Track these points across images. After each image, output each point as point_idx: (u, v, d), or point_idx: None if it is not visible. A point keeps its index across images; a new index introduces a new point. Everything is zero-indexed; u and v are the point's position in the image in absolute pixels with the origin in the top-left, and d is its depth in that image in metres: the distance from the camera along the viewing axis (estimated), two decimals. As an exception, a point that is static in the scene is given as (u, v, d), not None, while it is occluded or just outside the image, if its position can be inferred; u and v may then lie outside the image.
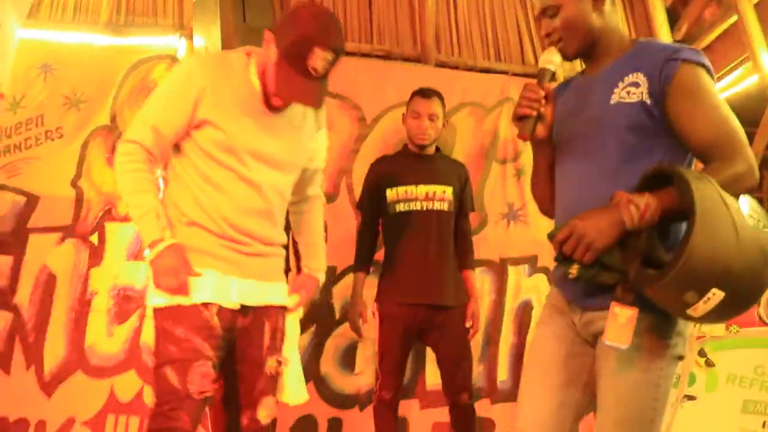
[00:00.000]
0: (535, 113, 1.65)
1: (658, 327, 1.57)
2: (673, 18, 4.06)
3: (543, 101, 1.66)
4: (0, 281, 3.63)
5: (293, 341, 2.11)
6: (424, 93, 3.18)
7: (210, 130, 1.90)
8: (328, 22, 1.88)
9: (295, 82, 1.85)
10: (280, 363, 2.03)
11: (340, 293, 3.74)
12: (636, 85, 1.61)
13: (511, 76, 4.03)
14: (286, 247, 2.95)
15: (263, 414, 1.99)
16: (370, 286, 3.25)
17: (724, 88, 3.89)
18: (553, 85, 1.78)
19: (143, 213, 1.84)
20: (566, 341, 1.72)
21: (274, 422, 2.04)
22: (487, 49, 4.17)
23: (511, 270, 3.99)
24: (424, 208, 3.09)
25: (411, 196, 3.10)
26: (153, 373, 1.87)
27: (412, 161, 3.18)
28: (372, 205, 3.21)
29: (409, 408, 3.61)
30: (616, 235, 1.47)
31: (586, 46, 1.72)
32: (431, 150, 3.21)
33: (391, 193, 3.13)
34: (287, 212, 2.23)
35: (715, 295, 1.36)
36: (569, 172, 1.74)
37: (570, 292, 1.71)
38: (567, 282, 1.63)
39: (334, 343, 3.71)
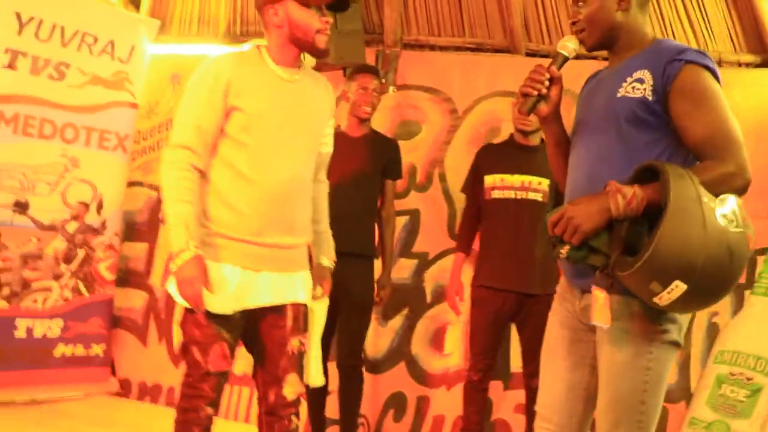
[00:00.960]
0: (536, 93, 1.75)
1: (647, 312, 1.62)
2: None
3: (547, 83, 1.75)
4: (138, 265, 4.24)
5: (320, 327, 2.26)
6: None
7: (238, 115, 2.01)
8: None
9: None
10: (302, 343, 2.16)
11: (432, 277, 3.93)
12: (641, 81, 1.67)
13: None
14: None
15: (288, 390, 2.10)
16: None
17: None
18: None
19: (175, 222, 1.93)
20: (570, 328, 1.81)
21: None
22: (577, 35, 4.13)
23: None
24: (518, 197, 3.15)
25: (506, 184, 3.18)
26: (181, 347, 2.06)
27: (514, 151, 3.25)
28: (473, 190, 3.31)
29: (493, 388, 3.70)
30: (602, 221, 1.55)
31: (606, 40, 1.78)
32: (535, 140, 3.23)
33: (488, 180, 3.22)
34: None
35: (678, 287, 1.43)
36: (577, 155, 1.82)
37: (569, 272, 1.81)
38: (566, 262, 1.72)
39: (424, 325, 3.89)
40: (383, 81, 3.97)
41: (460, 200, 3.95)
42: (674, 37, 4.10)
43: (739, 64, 4.08)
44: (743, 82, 3.91)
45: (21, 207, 3.72)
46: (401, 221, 3.90)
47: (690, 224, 1.43)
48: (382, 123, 3.93)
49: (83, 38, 3.84)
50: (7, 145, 3.65)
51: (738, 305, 3.72)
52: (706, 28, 4.07)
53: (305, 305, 2.17)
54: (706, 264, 1.42)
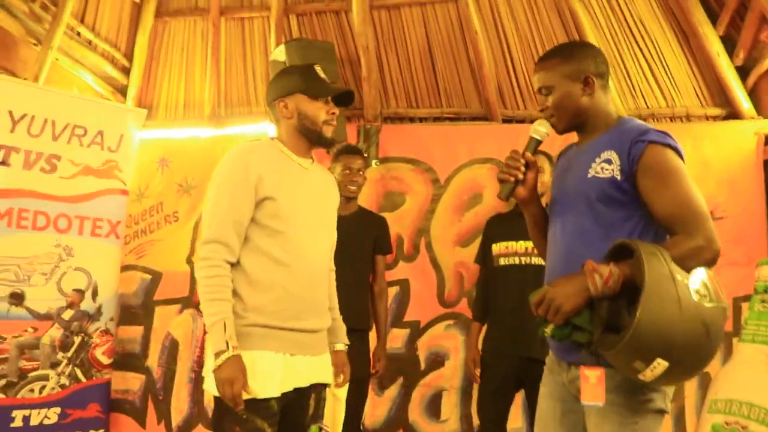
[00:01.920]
0: (512, 179, 1.85)
1: (630, 384, 1.66)
2: (730, 46, 4.00)
3: (522, 168, 1.85)
4: (134, 348, 4.27)
5: (343, 411, 2.37)
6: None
7: (270, 204, 2.03)
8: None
9: (327, 87, 2.16)
10: (321, 429, 2.18)
11: (425, 345, 4.00)
12: (609, 162, 1.76)
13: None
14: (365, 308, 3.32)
15: None
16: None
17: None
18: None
19: (214, 322, 1.92)
20: (560, 400, 1.86)
21: None
22: (549, 100, 4.30)
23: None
24: (523, 263, 3.19)
25: (511, 251, 3.22)
26: None
27: (518, 218, 3.21)
28: (484, 260, 3.37)
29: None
30: (581, 300, 1.60)
31: (575, 123, 1.89)
32: None
33: (495, 248, 3.28)
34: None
35: (660, 365, 1.48)
36: (554, 234, 1.91)
37: (555, 348, 1.88)
38: (552, 340, 1.74)
39: (420, 393, 3.94)
40: (366, 155, 4.09)
41: (447, 268, 4.08)
42: (642, 95, 4.29)
43: (707, 118, 4.23)
44: (712, 134, 4.07)
45: (16, 299, 3.77)
46: (392, 291, 3.97)
47: (666, 303, 1.47)
48: (367, 196, 4.05)
49: (73, 131, 3.95)
50: (1, 238, 3.73)
51: (727, 353, 3.75)
52: (672, 85, 4.24)
53: (326, 387, 2.21)
54: (685, 341, 1.47)
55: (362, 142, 4.24)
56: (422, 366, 3.97)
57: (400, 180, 4.23)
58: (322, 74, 2.19)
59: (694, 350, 1.50)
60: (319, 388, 2.18)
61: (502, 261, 3.24)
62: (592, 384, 1.66)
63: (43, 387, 3.83)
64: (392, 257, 3.97)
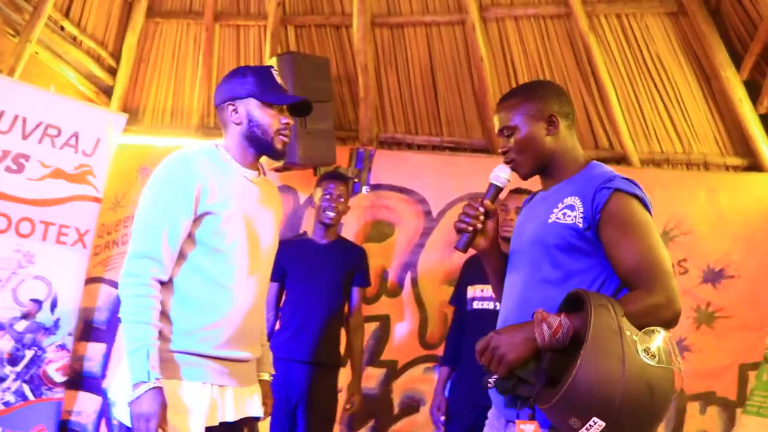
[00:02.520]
0: (471, 229, 1.74)
1: None
2: (754, 92, 3.77)
3: (482, 217, 1.75)
4: (93, 366, 4.00)
5: None
6: (518, 189, 3.16)
7: (210, 219, 1.90)
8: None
9: (283, 94, 2.01)
10: None
11: (400, 387, 3.78)
12: (572, 208, 1.66)
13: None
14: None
15: None
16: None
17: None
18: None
19: (136, 348, 1.77)
20: None
21: None
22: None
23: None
24: (497, 308, 3.03)
25: (486, 295, 3.09)
26: None
27: None
28: (459, 302, 3.23)
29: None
30: (527, 351, 1.50)
31: (538, 166, 1.77)
32: None
33: (470, 290, 3.15)
34: None
35: (596, 424, 1.37)
36: (510, 280, 1.81)
37: (495, 401, 1.75)
38: (494, 391, 1.65)
39: (392, 437, 3.72)
40: (356, 180, 3.93)
41: (432, 306, 3.87)
42: (657, 138, 4.08)
43: (726, 167, 4.01)
44: (730, 185, 3.87)
45: (-34, 305, 3.55)
46: (370, 327, 3.78)
47: (608, 359, 1.39)
48: (354, 224, 3.90)
49: (46, 130, 3.75)
50: (-45, 239, 3.51)
51: (729, 424, 3.56)
52: (690, 129, 4.03)
53: (258, 421, 2.07)
54: (624, 401, 1.37)
55: (354, 166, 4.04)
56: (395, 410, 3.75)
57: (391, 209, 4.03)
58: (278, 79, 2.03)
59: (635, 412, 1.40)
60: (251, 422, 2.01)
61: (476, 304, 3.10)
62: None
63: (-15, 403, 3.59)
64: (373, 290, 3.77)
